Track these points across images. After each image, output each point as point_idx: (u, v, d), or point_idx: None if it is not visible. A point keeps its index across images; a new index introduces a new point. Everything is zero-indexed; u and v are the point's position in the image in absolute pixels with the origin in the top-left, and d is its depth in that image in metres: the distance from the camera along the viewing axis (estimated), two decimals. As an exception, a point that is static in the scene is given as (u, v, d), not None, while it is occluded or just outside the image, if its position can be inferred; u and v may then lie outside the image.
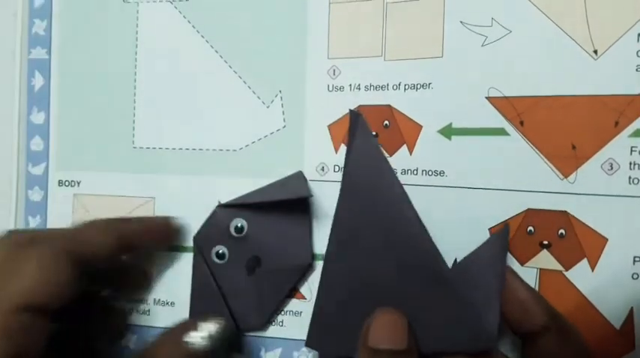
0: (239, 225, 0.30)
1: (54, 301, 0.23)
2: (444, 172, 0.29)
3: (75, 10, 0.35)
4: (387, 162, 0.26)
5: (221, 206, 0.31)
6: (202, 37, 0.33)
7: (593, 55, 0.27)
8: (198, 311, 0.31)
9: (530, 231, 0.27)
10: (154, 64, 0.34)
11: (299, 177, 0.30)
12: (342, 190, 0.27)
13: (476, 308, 0.24)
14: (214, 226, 0.31)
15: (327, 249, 0.27)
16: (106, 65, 0.35)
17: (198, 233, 0.32)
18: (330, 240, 0.27)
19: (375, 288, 0.25)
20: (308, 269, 0.30)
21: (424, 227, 0.26)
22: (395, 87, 0.30)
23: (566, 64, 0.27)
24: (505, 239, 0.27)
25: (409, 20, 0.30)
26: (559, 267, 0.27)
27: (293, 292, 0.31)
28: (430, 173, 0.29)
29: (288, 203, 0.29)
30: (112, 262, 0.29)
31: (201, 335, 0.25)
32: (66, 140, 0.36)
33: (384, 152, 0.29)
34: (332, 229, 0.27)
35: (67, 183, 0.35)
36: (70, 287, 0.24)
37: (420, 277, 0.24)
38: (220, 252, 0.31)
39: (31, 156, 0.36)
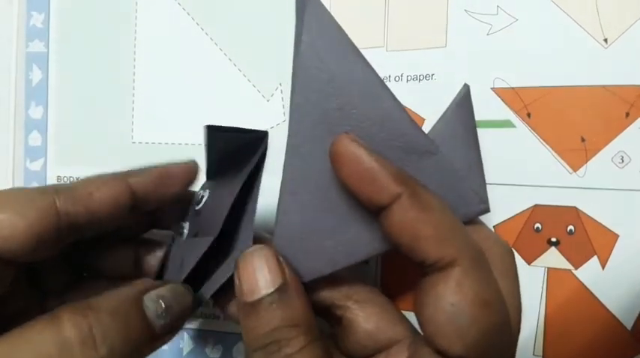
0: (201, 195, 0.26)
1: (18, 251, 0.20)
2: (447, 166, 0.28)
3: (73, 2, 0.35)
4: (352, 43, 0.21)
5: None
6: (202, 29, 0.33)
7: (603, 43, 0.26)
8: None
9: (538, 228, 0.27)
10: (153, 57, 0.34)
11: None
12: (296, 84, 0.22)
13: (462, 175, 0.22)
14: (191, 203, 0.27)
15: (288, 150, 0.22)
16: (104, 59, 0.34)
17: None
18: (289, 141, 0.22)
19: None
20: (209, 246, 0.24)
21: (399, 104, 0.22)
22: (397, 78, 0.29)
23: (575, 53, 0.26)
24: (468, 97, 0.25)
25: (412, 9, 0.29)
26: (568, 266, 0.26)
27: None
28: (433, 167, 0.28)
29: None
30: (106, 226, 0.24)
31: (158, 297, 0.21)
32: (64, 135, 0.35)
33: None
34: (289, 134, 0.22)
35: (65, 179, 0.35)
36: (46, 243, 0.21)
37: (404, 156, 0.22)
38: (180, 230, 0.27)
39: (29, 151, 0.35)
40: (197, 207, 0.26)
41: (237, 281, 0.20)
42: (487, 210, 0.22)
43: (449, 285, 0.18)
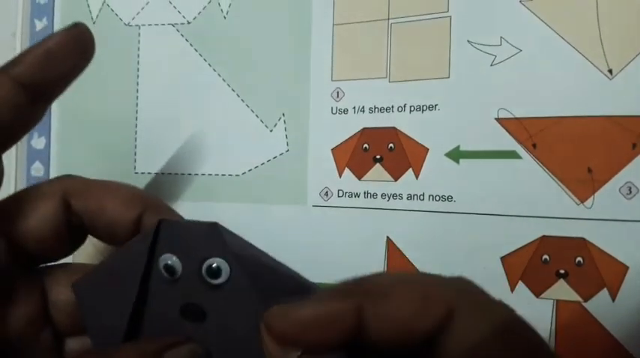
0: (214, 265, 0.20)
1: None
2: (452, 197, 0.28)
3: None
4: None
5: (214, 225, 0.20)
6: (205, 60, 0.33)
7: (608, 74, 0.25)
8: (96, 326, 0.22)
9: (546, 259, 0.26)
10: (156, 87, 0.34)
11: None
12: None
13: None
14: (188, 236, 0.21)
15: None
16: (107, 89, 0.34)
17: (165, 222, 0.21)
18: None
19: None
20: None
21: None
22: (400, 108, 0.29)
23: (580, 83, 0.26)
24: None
25: (414, 40, 0.29)
26: (577, 298, 0.26)
27: None
28: (437, 198, 0.28)
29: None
30: None
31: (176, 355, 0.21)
32: (67, 166, 0.35)
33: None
34: None
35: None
36: None
37: None
38: (170, 263, 0.21)
39: (31, 182, 0.35)
40: (214, 281, 0.20)
41: None
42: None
43: None
